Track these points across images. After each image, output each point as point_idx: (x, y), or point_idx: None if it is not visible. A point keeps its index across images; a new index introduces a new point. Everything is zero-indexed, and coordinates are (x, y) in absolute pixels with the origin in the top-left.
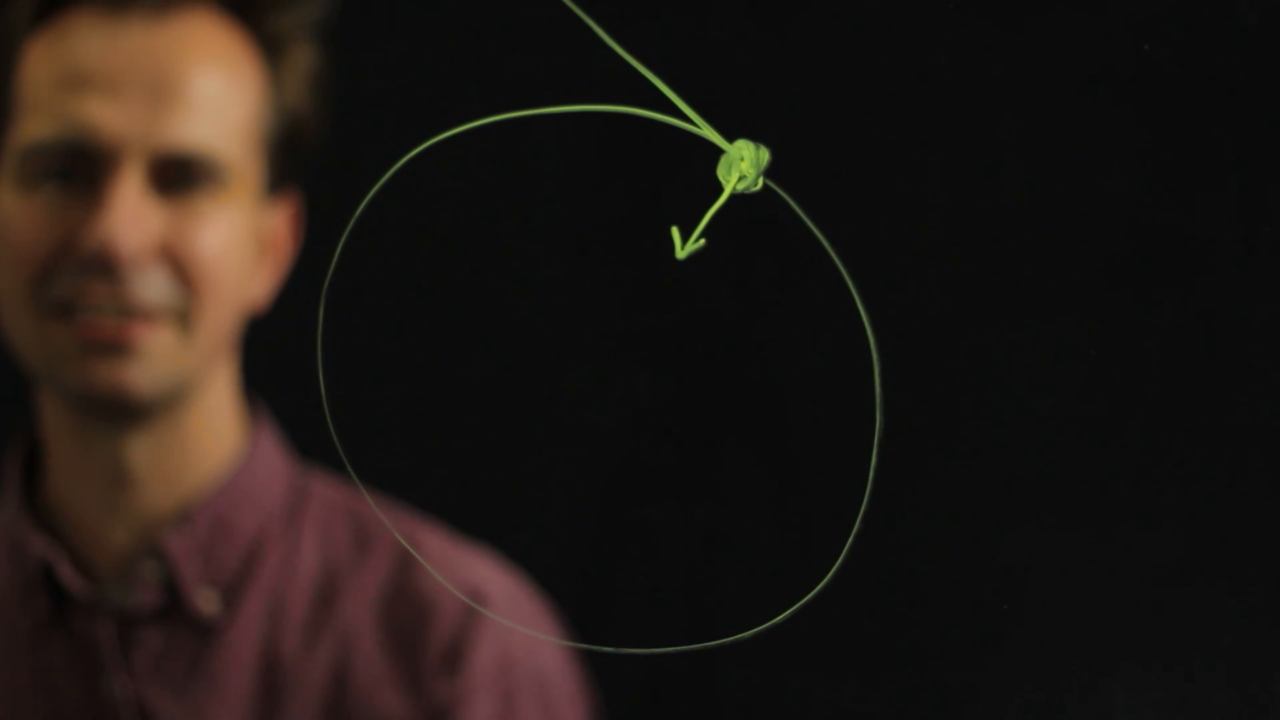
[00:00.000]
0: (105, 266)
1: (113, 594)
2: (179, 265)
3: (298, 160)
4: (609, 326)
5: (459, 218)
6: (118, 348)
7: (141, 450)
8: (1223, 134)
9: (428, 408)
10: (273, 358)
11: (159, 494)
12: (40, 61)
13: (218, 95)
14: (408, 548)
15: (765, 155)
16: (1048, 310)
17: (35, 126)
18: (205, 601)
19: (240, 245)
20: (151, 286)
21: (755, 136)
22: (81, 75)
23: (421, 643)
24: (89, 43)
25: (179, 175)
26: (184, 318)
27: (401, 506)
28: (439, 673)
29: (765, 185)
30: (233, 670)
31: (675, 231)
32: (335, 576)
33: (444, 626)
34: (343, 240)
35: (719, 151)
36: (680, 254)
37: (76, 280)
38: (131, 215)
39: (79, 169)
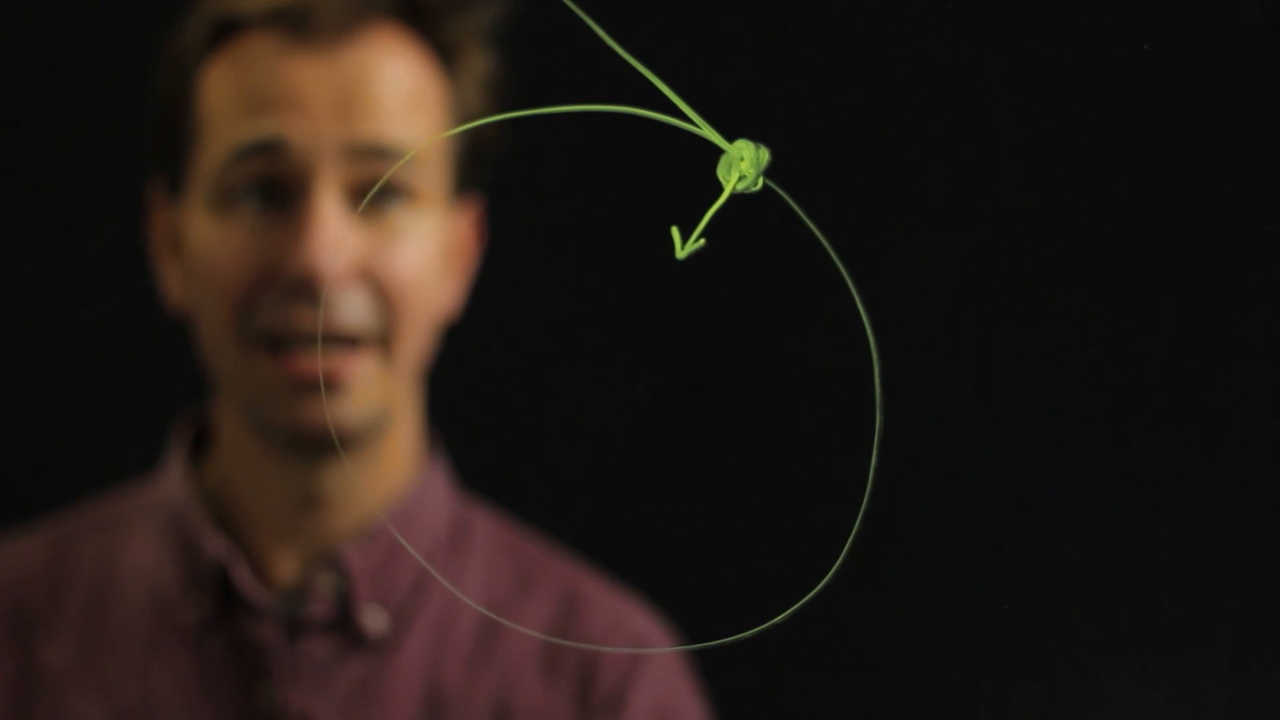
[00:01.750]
0: (310, 290)
1: (282, 601)
2: (379, 285)
3: (481, 165)
4: (609, 326)
5: None
6: (327, 386)
7: (336, 478)
8: (1223, 134)
9: (426, 407)
10: None
11: (345, 517)
12: (220, 86)
13: (405, 104)
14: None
15: (765, 155)
16: (1048, 310)
17: (223, 144)
18: (374, 620)
19: (434, 257)
20: (354, 310)
21: (755, 136)
22: (267, 97)
23: (587, 684)
24: (272, 67)
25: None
26: (386, 341)
27: (561, 551)
28: (601, 712)
29: (765, 185)
30: (397, 692)
31: (675, 231)
32: (499, 611)
33: (610, 670)
34: None
35: (719, 151)
36: (680, 254)
37: (280, 308)
38: (334, 236)
39: (274, 190)
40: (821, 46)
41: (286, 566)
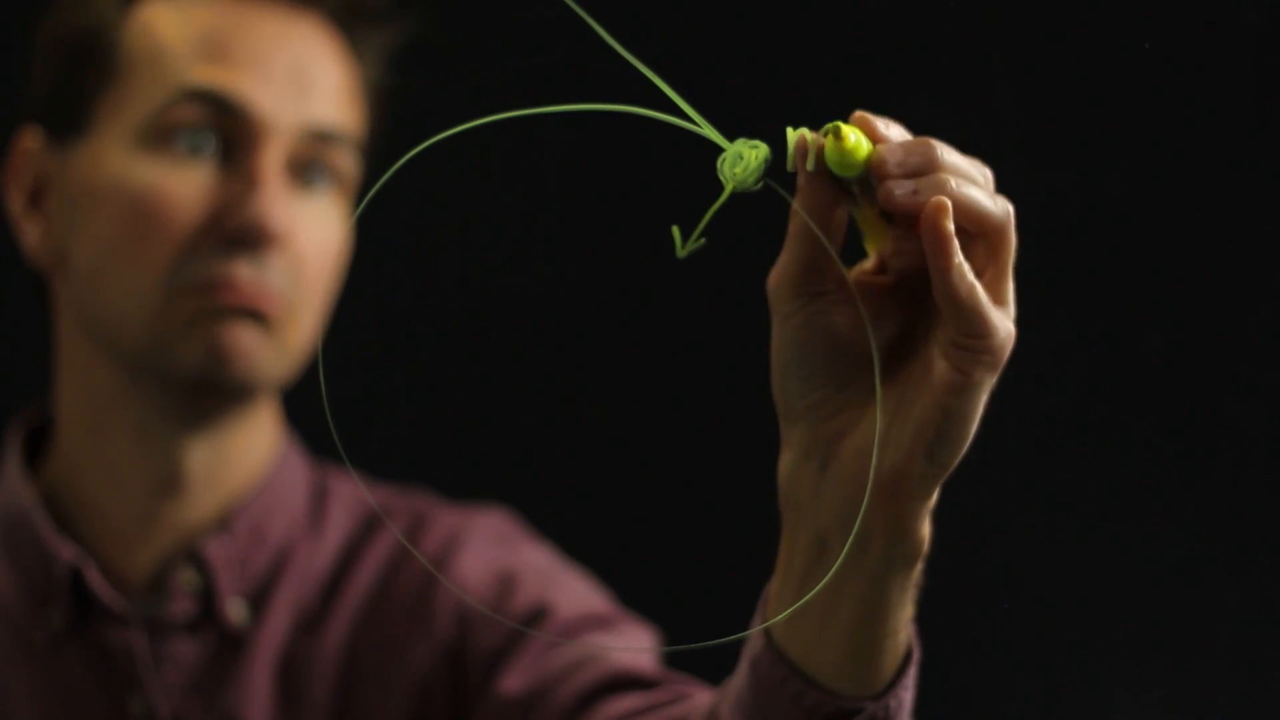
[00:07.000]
0: (254, 242)
1: (140, 603)
2: (295, 257)
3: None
4: (609, 326)
5: (459, 217)
6: (255, 314)
7: (201, 456)
8: (1223, 134)
9: (427, 407)
10: None
11: (203, 503)
12: (168, 25)
13: (344, 94)
14: (407, 545)
15: (765, 153)
16: (1048, 310)
17: (171, 85)
18: (236, 612)
19: (337, 249)
20: (281, 273)
21: (755, 136)
22: (225, 48)
23: (430, 595)
24: (229, 18)
25: (308, 168)
26: (287, 310)
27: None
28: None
29: (765, 184)
30: (258, 678)
31: (675, 231)
32: (346, 565)
33: (427, 553)
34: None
35: (719, 151)
36: (680, 253)
37: (217, 259)
38: (282, 194)
39: (220, 141)
40: (822, 45)
41: (144, 566)
